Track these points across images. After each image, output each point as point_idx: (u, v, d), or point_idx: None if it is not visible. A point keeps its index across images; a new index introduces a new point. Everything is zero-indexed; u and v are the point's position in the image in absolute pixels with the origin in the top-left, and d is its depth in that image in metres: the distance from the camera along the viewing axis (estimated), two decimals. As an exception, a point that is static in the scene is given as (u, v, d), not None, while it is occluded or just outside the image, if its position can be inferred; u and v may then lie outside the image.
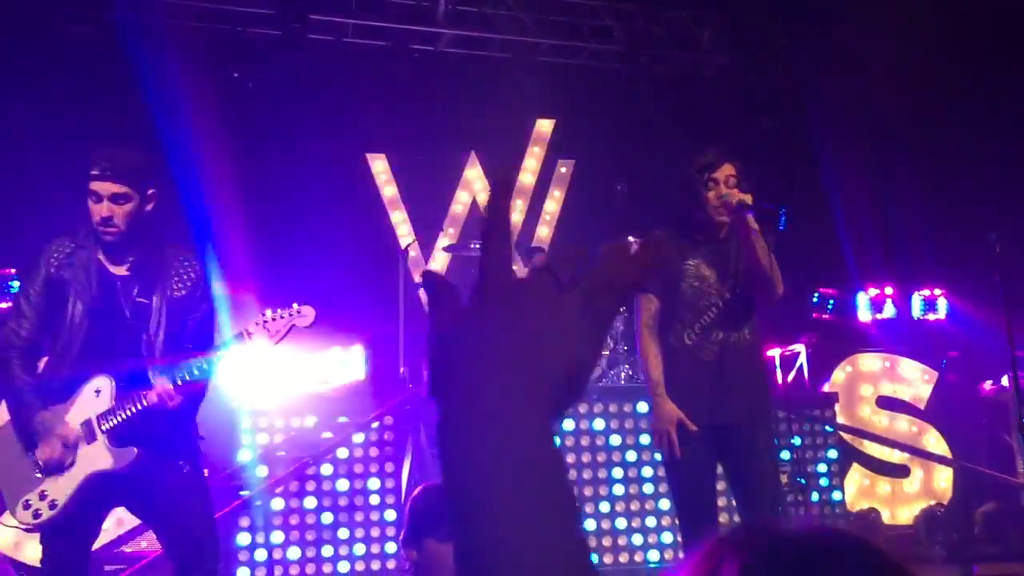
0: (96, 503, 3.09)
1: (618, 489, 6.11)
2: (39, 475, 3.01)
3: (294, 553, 5.79)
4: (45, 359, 3.17)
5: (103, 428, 3.02)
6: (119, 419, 3.02)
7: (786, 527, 0.75)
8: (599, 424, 6.19)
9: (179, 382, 3.00)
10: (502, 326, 0.66)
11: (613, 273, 0.72)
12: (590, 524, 5.96)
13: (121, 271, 3.15)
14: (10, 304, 6.64)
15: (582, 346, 0.69)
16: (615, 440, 6.19)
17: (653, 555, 6.08)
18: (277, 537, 5.78)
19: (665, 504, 6.11)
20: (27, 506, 3.00)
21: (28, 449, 3.04)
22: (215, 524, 3.31)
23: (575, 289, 0.70)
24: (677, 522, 3.94)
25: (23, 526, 3.04)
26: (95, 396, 3.04)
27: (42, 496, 3.00)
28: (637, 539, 6.08)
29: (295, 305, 3.23)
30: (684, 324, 3.52)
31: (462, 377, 0.65)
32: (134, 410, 3.01)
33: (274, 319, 3.18)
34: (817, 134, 9.13)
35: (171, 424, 3.09)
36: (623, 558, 6.04)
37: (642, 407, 6.12)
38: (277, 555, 5.75)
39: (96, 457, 3.01)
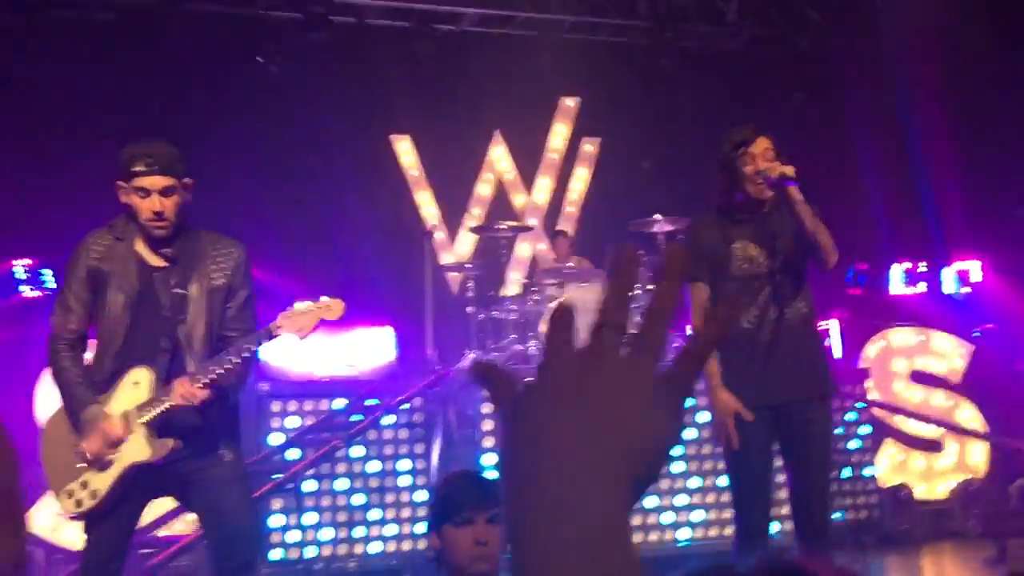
0: (136, 493, 3.12)
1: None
2: (81, 465, 3.04)
3: (326, 534, 5.85)
4: (91, 351, 3.20)
5: (141, 420, 3.04)
6: (156, 411, 3.03)
7: (757, 566, 0.71)
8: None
9: (208, 380, 3.01)
10: (565, 405, 0.61)
11: (694, 339, 0.66)
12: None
13: (160, 262, 3.15)
14: (44, 295, 6.79)
15: (659, 418, 0.63)
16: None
17: (683, 533, 6.07)
18: (309, 519, 5.84)
19: (695, 482, 6.09)
20: (70, 495, 3.05)
21: (77, 437, 3.08)
22: (255, 511, 3.33)
23: (647, 349, 0.64)
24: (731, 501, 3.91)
25: (67, 515, 3.10)
26: (134, 388, 3.06)
27: (84, 485, 3.04)
28: (667, 517, 6.05)
29: (323, 298, 3.21)
30: (739, 307, 3.49)
31: (527, 466, 0.61)
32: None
33: (303, 312, 3.17)
34: (848, 105, 8.97)
35: (211, 413, 3.10)
36: (653, 536, 6.00)
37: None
38: (309, 536, 5.82)
39: (135, 448, 3.04)
